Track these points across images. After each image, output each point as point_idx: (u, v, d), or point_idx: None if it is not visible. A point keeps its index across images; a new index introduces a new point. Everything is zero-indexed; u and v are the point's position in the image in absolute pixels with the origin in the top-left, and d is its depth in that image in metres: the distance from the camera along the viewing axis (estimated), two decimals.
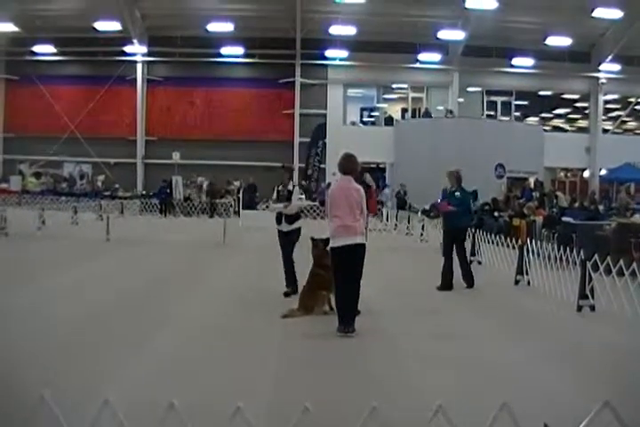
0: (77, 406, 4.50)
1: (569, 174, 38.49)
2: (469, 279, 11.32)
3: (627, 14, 30.62)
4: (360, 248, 7.76)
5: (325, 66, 35.88)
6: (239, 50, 34.95)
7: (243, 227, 21.32)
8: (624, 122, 39.00)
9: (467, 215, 11.85)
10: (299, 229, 10.42)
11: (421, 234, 19.48)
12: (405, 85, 37.24)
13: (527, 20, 32.97)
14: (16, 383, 5.47)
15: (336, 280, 7.83)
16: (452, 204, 11.18)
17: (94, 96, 35.58)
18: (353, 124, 37.01)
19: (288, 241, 10.31)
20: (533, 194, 26.50)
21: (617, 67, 35.69)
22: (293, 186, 10.56)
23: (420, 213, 22.87)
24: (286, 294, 9.93)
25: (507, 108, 37.30)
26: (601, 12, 30.56)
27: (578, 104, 38.54)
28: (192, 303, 9.42)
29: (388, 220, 23.84)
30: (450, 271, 11.11)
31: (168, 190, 30.76)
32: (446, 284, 11.03)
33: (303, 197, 37.48)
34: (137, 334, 7.53)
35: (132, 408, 4.21)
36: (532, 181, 31.75)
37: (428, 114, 35.93)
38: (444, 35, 33.17)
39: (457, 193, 11.24)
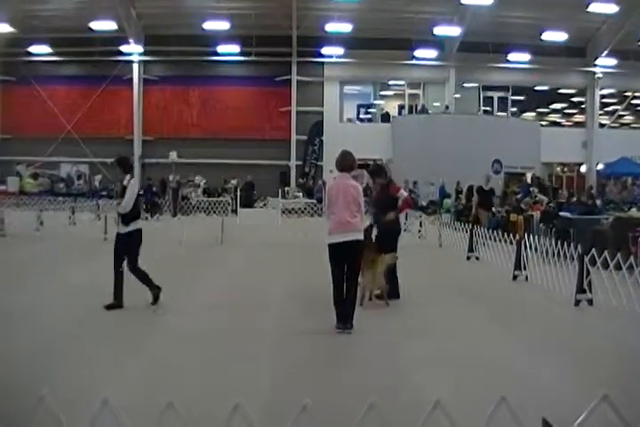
0: (76, 405, 4.52)
1: (566, 169, 38.54)
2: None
3: (622, 9, 30.63)
4: (357, 245, 7.75)
5: (322, 63, 35.87)
6: (235, 48, 34.88)
7: (241, 225, 21.29)
8: (620, 116, 39.04)
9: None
10: (137, 232, 8.90)
11: (419, 231, 19.49)
12: (402, 82, 37.26)
13: (523, 15, 32.97)
14: (15, 383, 5.48)
15: (333, 277, 7.79)
16: None
17: (91, 96, 35.57)
18: (350, 121, 37.01)
19: (123, 245, 8.85)
20: (531, 189, 26.51)
21: (613, 61, 35.67)
22: (129, 180, 8.88)
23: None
24: (109, 307, 8.62)
25: (503, 103, 37.31)
26: (596, 7, 30.57)
27: (574, 99, 38.55)
28: (189, 302, 9.42)
29: None
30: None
31: (155, 189, 29.30)
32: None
33: (300, 194, 37.01)
34: (135, 333, 7.56)
35: (131, 408, 4.22)
36: (529, 176, 31.76)
37: (424, 110, 35.92)
38: (440, 31, 33.14)
39: None
